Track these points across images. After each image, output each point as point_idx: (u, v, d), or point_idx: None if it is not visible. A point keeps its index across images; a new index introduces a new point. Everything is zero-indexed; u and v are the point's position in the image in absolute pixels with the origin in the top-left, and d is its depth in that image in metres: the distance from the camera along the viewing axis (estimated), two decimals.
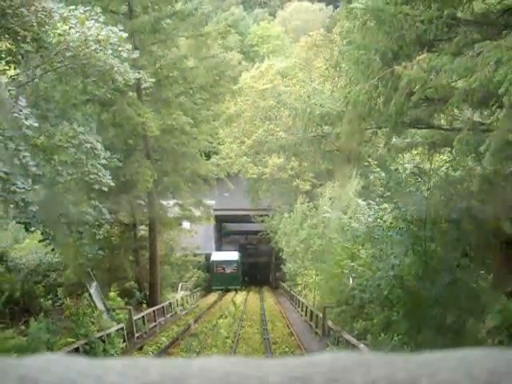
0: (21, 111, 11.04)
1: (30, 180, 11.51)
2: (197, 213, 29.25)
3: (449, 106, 7.50)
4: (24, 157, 11.91)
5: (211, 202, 32.70)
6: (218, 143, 46.71)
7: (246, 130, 47.57)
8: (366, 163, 14.73)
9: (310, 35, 46.98)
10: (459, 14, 7.61)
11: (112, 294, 20.53)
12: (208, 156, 33.63)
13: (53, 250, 16.91)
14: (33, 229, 14.32)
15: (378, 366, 0.43)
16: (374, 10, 7.05)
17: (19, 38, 14.68)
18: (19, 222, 14.07)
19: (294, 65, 50.03)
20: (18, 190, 11.11)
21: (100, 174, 14.79)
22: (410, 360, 0.44)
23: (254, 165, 46.36)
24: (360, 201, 19.58)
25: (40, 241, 16.29)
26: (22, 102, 11.23)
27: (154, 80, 20.06)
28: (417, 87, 6.73)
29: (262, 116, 46.50)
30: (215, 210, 35.53)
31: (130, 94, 20.25)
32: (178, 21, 21.35)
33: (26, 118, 11.13)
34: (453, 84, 7.27)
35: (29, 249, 24.47)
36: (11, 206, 12.63)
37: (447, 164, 11.76)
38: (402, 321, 10.16)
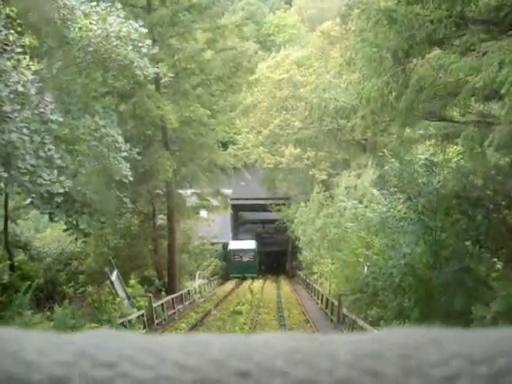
0: (47, 106, 11.48)
1: (55, 172, 11.97)
2: (214, 202, 29.74)
3: (459, 101, 7.80)
4: (49, 150, 12.38)
5: (228, 191, 33.16)
6: (235, 133, 47.08)
7: (262, 120, 47.80)
8: (382, 153, 14.98)
9: (322, 32, 46.86)
10: (472, 8, 7.85)
11: (132, 281, 21.07)
12: (225, 145, 33.96)
13: (76, 239, 17.40)
14: (57, 219, 14.84)
15: (452, 341, 0.41)
16: (386, 10, 7.36)
17: (42, 33, 15.12)
18: (43, 213, 14.57)
19: (310, 54, 50.07)
20: (43, 182, 11.59)
21: (121, 166, 15.26)
22: (486, 335, 0.42)
23: (270, 154, 46.66)
24: (375, 191, 19.86)
25: (64, 230, 16.79)
26: (48, 97, 11.67)
27: (172, 73, 20.49)
28: (426, 84, 7.06)
29: (279, 106, 46.73)
30: (232, 199, 35.99)
31: (149, 86, 20.64)
32: (196, 13, 21.69)
33: (52, 113, 11.58)
34: (462, 80, 7.54)
35: (51, 238, 25.11)
36: (33, 195, 13.14)
37: (460, 155, 12.01)
38: (414, 307, 10.54)
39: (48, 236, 25.79)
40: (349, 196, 28.68)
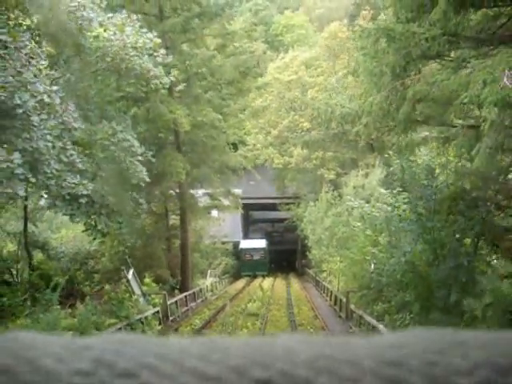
0: (70, 115, 12.23)
1: (78, 176, 12.72)
2: (225, 202, 30.50)
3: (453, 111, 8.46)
4: (71, 155, 13.14)
5: (238, 191, 33.87)
6: (245, 133, 47.72)
7: (271, 121, 48.45)
8: (388, 154, 15.56)
9: (330, 34, 47.37)
10: (465, 25, 8.50)
11: (147, 280, 21.83)
12: (234, 145, 34.53)
13: (94, 238, 18.12)
14: (78, 219, 15.58)
15: (478, 347, 0.39)
16: (385, 29, 8.03)
17: (61, 43, 15.86)
18: (66, 214, 15.30)
19: (318, 55, 50.61)
20: (68, 185, 12.35)
21: (137, 169, 16.01)
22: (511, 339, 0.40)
23: (279, 155, 47.27)
24: (382, 190, 20.46)
25: (83, 231, 17.52)
26: (71, 106, 12.41)
27: (184, 77, 21.24)
28: (422, 97, 7.72)
29: (287, 107, 47.34)
30: (242, 198, 36.67)
31: (162, 91, 21.34)
32: (206, 20, 22.41)
33: (75, 121, 12.33)
34: (453, 93, 8.19)
35: (66, 238, 25.83)
36: (52, 197, 13.87)
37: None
38: (415, 302, 11.24)
39: (64, 236, 26.47)
40: (357, 195, 29.23)
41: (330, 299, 26.20)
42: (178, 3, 21.43)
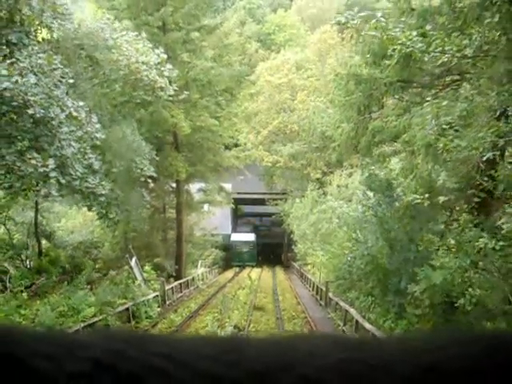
0: (93, 126, 14.38)
1: (97, 177, 14.88)
2: (217, 197, 32.78)
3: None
4: (89, 158, 15.29)
5: (228, 186, 36.03)
6: (236, 130, 49.67)
7: (262, 122, 50.38)
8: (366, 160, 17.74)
9: (319, 39, 49.11)
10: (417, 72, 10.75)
11: (147, 267, 24.03)
12: (227, 145, 36.60)
13: (108, 226, 20.11)
14: (94, 209, 17.68)
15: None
16: (353, 75, 10.27)
17: (76, 55, 17.93)
18: (84, 205, 17.39)
19: (308, 58, 52.49)
20: (90, 185, 14.51)
21: (145, 167, 18.17)
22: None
23: (268, 153, 49.23)
24: (358, 192, 22.74)
25: (98, 219, 19.59)
26: (94, 118, 14.55)
27: (183, 83, 23.34)
28: (379, 131, 10.01)
29: (278, 108, 49.30)
30: (231, 193, 38.81)
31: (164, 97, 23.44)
32: (205, 33, 24.55)
33: (97, 132, 14.48)
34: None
35: (67, 228, 27.76)
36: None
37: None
38: (375, 287, 13.66)
39: (64, 226, 28.25)
40: (340, 194, 31.45)
41: (313, 289, 28.52)
42: (180, 18, 23.52)
